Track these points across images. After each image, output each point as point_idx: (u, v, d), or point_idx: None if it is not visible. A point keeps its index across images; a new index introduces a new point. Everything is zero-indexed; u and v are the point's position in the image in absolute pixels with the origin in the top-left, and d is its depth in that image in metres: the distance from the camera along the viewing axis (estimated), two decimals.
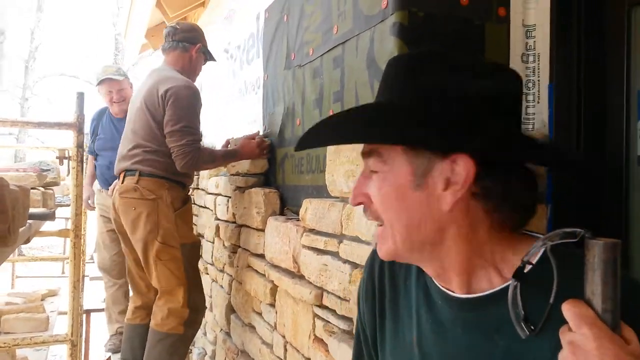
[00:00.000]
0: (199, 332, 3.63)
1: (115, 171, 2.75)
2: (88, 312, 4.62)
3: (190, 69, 2.89)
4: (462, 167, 0.70)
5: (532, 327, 0.67)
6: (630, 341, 0.58)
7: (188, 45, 2.83)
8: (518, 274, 0.69)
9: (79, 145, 2.48)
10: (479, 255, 0.75)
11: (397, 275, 0.90)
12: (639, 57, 1.33)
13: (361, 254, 1.41)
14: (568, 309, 0.61)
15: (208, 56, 3.00)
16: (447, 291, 0.80)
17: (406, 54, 0.80)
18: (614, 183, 1.38)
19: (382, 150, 0.75)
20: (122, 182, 2.62)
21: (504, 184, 0.72)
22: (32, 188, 2.42)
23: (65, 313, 3.25)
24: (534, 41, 1.42)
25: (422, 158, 0.73)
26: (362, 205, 0.80)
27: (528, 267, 0.69)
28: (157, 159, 2.59)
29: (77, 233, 2.46)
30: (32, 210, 2.01)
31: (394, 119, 0.74)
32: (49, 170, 3.11)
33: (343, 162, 1.52)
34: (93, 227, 4.24)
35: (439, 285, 0.81)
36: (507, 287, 0.70)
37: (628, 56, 1.32)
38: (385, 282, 0.91)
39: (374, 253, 0.96)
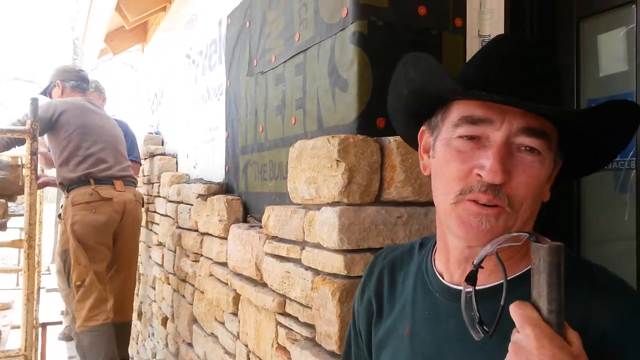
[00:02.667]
0: (160, 344, 3.55)
1: (108, 175, 3.17)
2: (44, 325, 4.45)
3: None
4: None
5: (486, 330, 0.69)
6: (572, 343, 0.61)
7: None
8: (470, 278, 0.70)
9: (33, 153, 2.40)
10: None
11: (395, 275, 0.93)
12: (588, 66, 1.38)
13: (323, 261, 1.42)
14: (514, 311, 0.63)
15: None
16: (446, 283, 0.82)
17: (536, 41, 0.79)
18: (567, 188, 1.44)
19: (552, 135, 0.73)
20: (125, 189, 3.22)
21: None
22: None
23: (19, 327, 3.12)
24: None
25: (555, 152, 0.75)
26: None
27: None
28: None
29: (30, 243, 2.37)
30: None
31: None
32: (3, 177, 3.00)
33: (304, 169, 1.52)
34: (49, 237, 4.11)
35: (439, 277, 0.83)
36: (496, 286, 0.73)
37: (578, 66, 1.38)
38: (384, 282, 0.94)
39: (376, 258, 0.99)
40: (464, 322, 0.73)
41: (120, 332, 3.14)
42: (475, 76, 0.75)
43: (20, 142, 2.99)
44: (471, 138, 0.73)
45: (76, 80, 3.45)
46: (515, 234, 0.68)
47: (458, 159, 0.73)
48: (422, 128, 0.86)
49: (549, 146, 0.72)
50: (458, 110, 0.75)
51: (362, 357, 0.98)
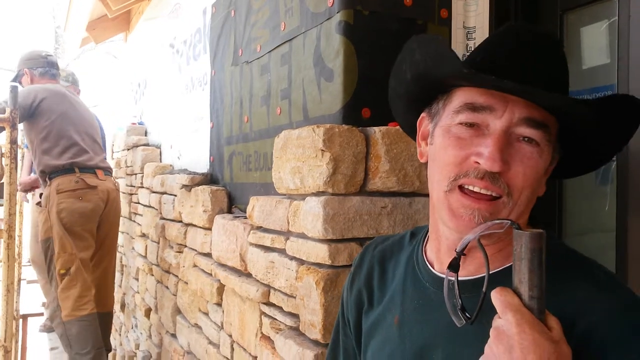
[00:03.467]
0: (144, 335, 3.53)
1: (91, 164, 3.17)
2: (25, 317, 4.40)
3: None
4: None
5: (468, 316, 0.69)
6: (552, 328, 0.62)
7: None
8: (453, 266, 0.71)
9: (13, 142, 2.36)
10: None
11: (385, 265, 0.93)
12: (571, 59, 1.40)
13: (307, 251, 1.42)
14: (495, 297, 0.64)
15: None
16: (436, 272, 0.82)
17: (547, 32, 0.77)
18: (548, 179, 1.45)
19: (552, 128, 0.73)
20: (106, 178, 3.24)
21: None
22: None
23: None
24: (474, 42, 1.47)
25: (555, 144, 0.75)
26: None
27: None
28: None
29: (10, 234, 2.34)
30: None
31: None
32: None
33: (289, 159, 1.52)
34: (29, 227, 4.07)
35: (428, 266, 0.84)
36: (498, 272, 0.74)
37: None
38: (374, 272, 0.94)
39: (366, 249, 0.99)
40: None
41: (102, 322, 3.13)
42: (483, 62, 0.74)
43: None
44: (471, 125, 0.73)
45: (44, 67, 3.39)
46: (498, 221, 0.69)
47: (456, 146, 0.73)
48: (423, 114, 0.85)
49: (549, 139, 0.72)
50: (460, 97, 0.75)
51: (350, 346, 0.99)
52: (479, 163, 0.70)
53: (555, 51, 0.75)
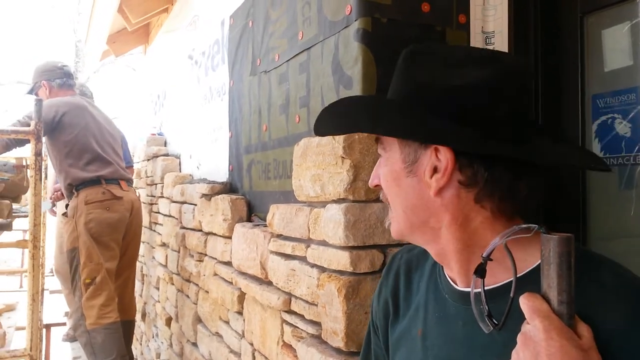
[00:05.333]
0: (165, 344, 3.55)
1: (115, 175, 3.24)
2: (48, 326, 4.45)
3: None
4: (443, 156, 0.73)
5: (495, 322, 0.68)
6: (582, 336, 0.60)
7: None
8: (479, 271, 0.70)
9: (38, 154, 2.41)
10: (478, 246, 0.75)
11: (411, 276, 0.93)
12: (592, 62, 1.38)
13: (328, 258, 1.42)
14: (524, 303, 0.63)
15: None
16: (453, 284, 0.81)
17: (410, 47, 0.81)
18: (572, 184, 1.43)
19: (382, 138, 0.81)
20: (129, 189, 3.32)
21: (488, 174, 0.72)
22: None
23: (23, 328, 3.13)
24: (493, 47, 1.46)
25: (410, 147, 0.77)
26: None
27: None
28: None
29: (35, 244, 2.38)
30: None
31: (380, 111, 0.81)
32: (7, 179, 3.00)
33: (309, 167, 1.52)
34: (52, 239, 4.14)
35: (448, 279, 0.83)
36: (507, 284, 0.71)
37: (582, 61, 1.38)
38: (400, 282, 0.94)
39: (393, 258, 1.00)
40: (471, 324, 0.74)
41: (124, 330, 3.16)
42: None
43: (20, 143, 3.00)
44: None
45: (61, 78, 3.41)
46: (525, 225, 0.68)
47: None
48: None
49: (383, 148, 0.82)
50: None
51: (381, 355, 0.98)
52: None
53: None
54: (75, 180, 3.13)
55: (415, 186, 0.77)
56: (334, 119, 0.85)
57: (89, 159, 3.17)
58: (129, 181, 3.39)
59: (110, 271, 3.12)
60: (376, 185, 0.85)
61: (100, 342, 2.96)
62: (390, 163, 0.80)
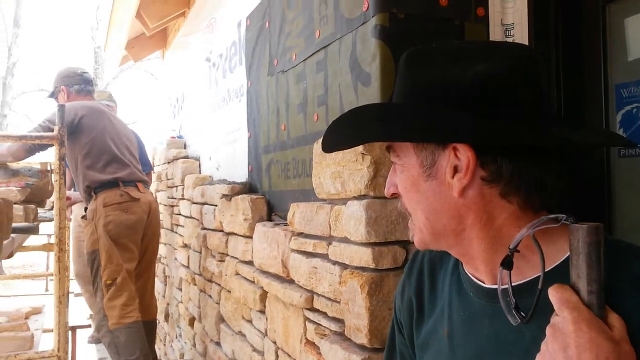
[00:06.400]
0: (188, 344, 3.59)
1: (133, 177, 3.29)
2: (73, 328, 4.53)
3: None
4: (463, 155, 0.71)
5: (523, 315, 0.68)
6: (613, 327, 0.59)
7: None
8: (506, 263, 0.69)
9: (62, 158, 2.45)
10: (504, 244, 0.73)
11: (436, 275, 0.92)
12: (615, 51, 1.36)
13: (350, 255, 1.42)
14: (553, 294, 0.62)
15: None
16: (477, 281, 0.80)
17: (412, 48, 0.80)
18: (597, 176, 1.41)
19: (395, 145, 0.79)
20: (146, 191, 3.36)
21: (512, 167, 0.70)
22: (14, 203, 2.38)
23: (50, 331, 3.19)
24: (513, 39, 1.45)
25: (427, 150, 0.75)
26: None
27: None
28: None
29: (61, 247, 2.42)
30: (15, 224, 1.98)
31: (390, 117, 0.77)
32: (33, 184, 3.05)
33: (329, 164, 1.52)
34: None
35: (470, 276, 0.82)
36: (535, 279, 0.69)
37: (604, 51, 1.35)
38: (424, 282, 0.93)
39: (415, 255, 0.98)
40: (498, 321, 0.73)
41: (146, 329, 3.21)
42: None
43: (42, 147, 3.06)
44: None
45: (79, 84, 3.49)
46: (553, 216, 0.67)
47: None
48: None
49: (397, 155, 0.80)
50: None
51: (406, 352, 0.97)
52: None
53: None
54: (93, 183, 3.18)
55: (436, 189, 0.75)
56: (342, 133, 0.82)
57: (107, 161, 3.22)
58: (146, 183, 3.45)
59: (130, 272, 3.17)
60: (393, 194, 0.82)
61: (123, 341, 3.00)
62: (406, 169, 0.78)
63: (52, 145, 2.61)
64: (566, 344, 0.59)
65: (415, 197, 0.77)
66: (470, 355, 0.79)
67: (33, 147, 3.01)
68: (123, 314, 3.03)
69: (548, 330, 0.62)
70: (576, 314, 0.59)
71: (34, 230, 2.28)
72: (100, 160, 3.21)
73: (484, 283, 0.79)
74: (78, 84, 3.48)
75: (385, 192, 0.83)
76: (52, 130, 2.84)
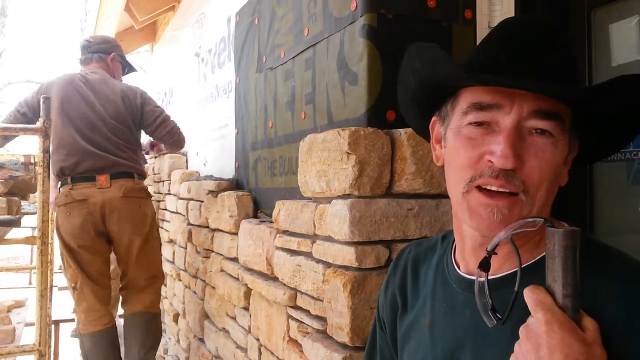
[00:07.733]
0: (172, 340, 3.57)
1: (85, 170, 2.72)
2: (57, 322, 4.49)
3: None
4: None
5: (499, 316, 0.68)
6: (586, 329, 0.61)
7: (103, 56, 3.08)
8: (483, 265, 0.70)
9: (46, 151, 2.42)
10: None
11: (419, 268, 0.93)
12: (600, 56, 1.37)
13: (334, 254, 1.42)
14: (528, 295, 0.63)
15: (126, 65, 3.27)
16: (462, 273, 0.81)
17: (546, 21, 0.74)
18: (578, 180, 1.43)
19: (565, 117, 0.71)
20: (112, 184, 2.72)
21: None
22: None
23: (32, 324, 3.15)
24: None
25: (572, 133, 0.73)
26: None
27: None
28: (138, 159, 2.92)
29: (44, 240, 2.39)
30: None
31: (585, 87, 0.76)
32: (17, 177, 3.01)
33: (315, 163, 1.52)
34: None
35: (455, 269, 0.83)
36: (513, 273, 0.72)
37: (589, 56, 1.37)
38: (407, 276, 0.94)
39: (400, 254, 0.99)
40: (478, 313, 0.73)
41: (136, 323, 2.91)
42: (484, 60, 0.74)
43: (10, 137, 2.83)
44: (480, 124, 0.72)
45: (79, 54, 3.13)
46: (531, 219, 0.68)
47: (468, 147, 0.72)
48: (433, 119, 0.86)
49: (562, 128, 0.70)
50: (467, 97, 0.74)
51: (387, 349, 0.99)
52: (492, 162, 0.69)
53: (558, 39, 0.73)
54: (54, 179, 2.75)
55: (560, 175, 0.75)
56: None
57: (66, 153, 2.74)
58: (118, 173, 2.77)
59: (92, 275, 2.76)
60: (513, 168, 0.69)
61: (87, 348, 2.79)
62: (561, 146, 0.71)
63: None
64: (538, 345, 0.60)
65: (552, 178, 0.72)
66: (450, 346, 0.79)
67: (5, 137, 2.82)
68: (87, 321, 2.78)
69: (521, 331, 0.63)
70: (549, 315, 0.60)
71: (15, 223, 2.25)
72: (56, 152, 2.73)
73: (470, 275, 0.80)
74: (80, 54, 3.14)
75: (504, 163, 0.68)
76: (26, 114, 2.76)
